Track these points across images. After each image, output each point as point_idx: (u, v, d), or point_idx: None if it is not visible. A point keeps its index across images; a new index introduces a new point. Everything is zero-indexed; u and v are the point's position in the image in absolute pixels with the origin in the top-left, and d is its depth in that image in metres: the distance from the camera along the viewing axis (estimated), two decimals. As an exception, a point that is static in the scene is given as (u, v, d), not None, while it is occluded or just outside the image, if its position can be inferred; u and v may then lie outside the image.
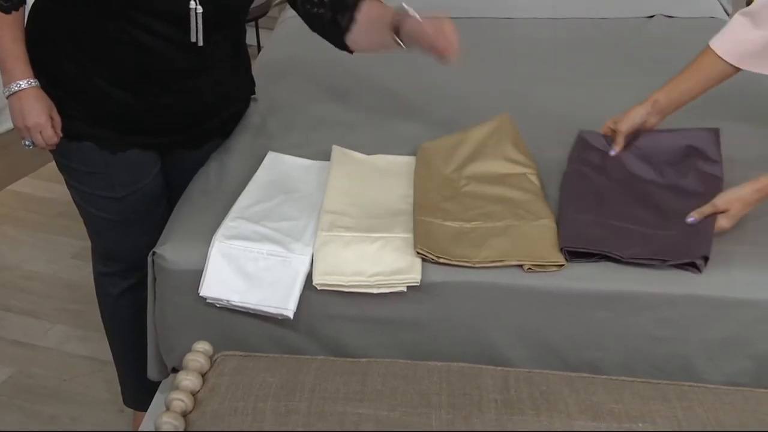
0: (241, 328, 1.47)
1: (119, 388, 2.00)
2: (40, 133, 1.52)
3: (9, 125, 3.45)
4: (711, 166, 1.62)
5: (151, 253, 1.49)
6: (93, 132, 1.59)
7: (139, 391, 1.90)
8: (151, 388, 1.76)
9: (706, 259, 1.38)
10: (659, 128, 1.69)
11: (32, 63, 1.53)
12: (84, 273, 2.63)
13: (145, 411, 1.83)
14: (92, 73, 1.54)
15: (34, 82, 1.52)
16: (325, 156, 1.69)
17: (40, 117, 1.51)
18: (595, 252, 1.40)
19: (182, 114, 1.64)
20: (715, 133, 1.69)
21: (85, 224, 1.76)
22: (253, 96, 1.90)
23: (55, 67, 1.55)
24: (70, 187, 1.71)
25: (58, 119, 1.55)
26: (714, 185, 1.56)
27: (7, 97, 1.51)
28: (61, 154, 1.64)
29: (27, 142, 1.56)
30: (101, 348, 2.24)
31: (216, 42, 1.58)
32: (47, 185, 3.09)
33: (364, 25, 1.62)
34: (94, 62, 1.53)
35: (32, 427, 2.09)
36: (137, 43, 1.50)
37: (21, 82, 1.50)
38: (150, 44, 1.50)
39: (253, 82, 1.88)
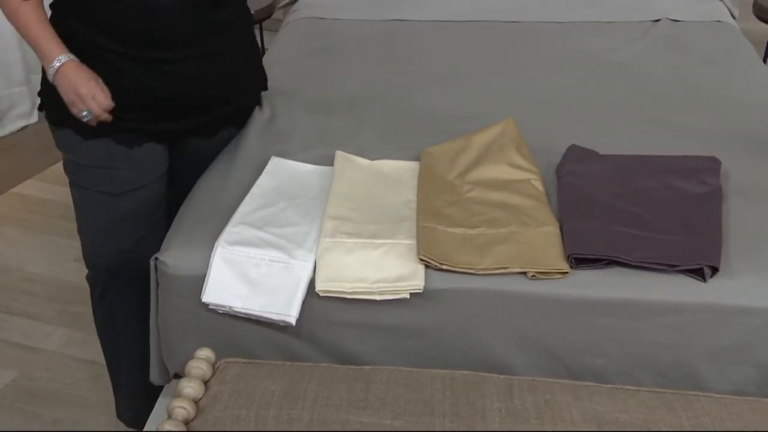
0: (243, 334, 1.46)
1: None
2: (94, 99, 1.52)
3: (13, 127, 3.50)
4: (707, 185, 1.59)
5: (153, 258, 1.49)
6: (112, 126, 1.58)
7: (132, 406, 1.85)
8: (148, 403, 1.75)
9: (714, 270, 1.37)
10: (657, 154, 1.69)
11: None
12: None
13: (140, 429, 1.79)
14: (105, 50, 1.55)
15: (71, 55, 1.53)
16: (329, 161, 1.69)
17: (89, 82, 1.52)
18: (602, 257, 1.39)
19: (197, 88, 1.63)
20: (715, 162, 1.65)
21: (78, 228, 1.73)
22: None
23: None
24: (72, 186, 1.69)
25: (104, 86, 1.55)
26: (716, 190, 1.55)
27: (53, 77, 1.53)
28: (72, 151, 1.63)
29: (84, 113, 1.54)
30: (103, 351, 2.24)
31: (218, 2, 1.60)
32: (50, 187, 3.09)
33: None
34: (105, 36, 1.54)
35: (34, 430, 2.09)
36: (145, 6, 1.51)
37: (61, 57, 1.52)
38: (157, 4, 1.52)
39: (265, 78, 1.87)
